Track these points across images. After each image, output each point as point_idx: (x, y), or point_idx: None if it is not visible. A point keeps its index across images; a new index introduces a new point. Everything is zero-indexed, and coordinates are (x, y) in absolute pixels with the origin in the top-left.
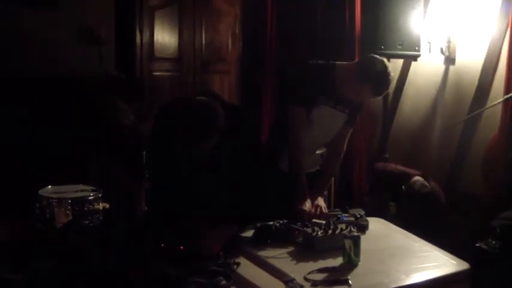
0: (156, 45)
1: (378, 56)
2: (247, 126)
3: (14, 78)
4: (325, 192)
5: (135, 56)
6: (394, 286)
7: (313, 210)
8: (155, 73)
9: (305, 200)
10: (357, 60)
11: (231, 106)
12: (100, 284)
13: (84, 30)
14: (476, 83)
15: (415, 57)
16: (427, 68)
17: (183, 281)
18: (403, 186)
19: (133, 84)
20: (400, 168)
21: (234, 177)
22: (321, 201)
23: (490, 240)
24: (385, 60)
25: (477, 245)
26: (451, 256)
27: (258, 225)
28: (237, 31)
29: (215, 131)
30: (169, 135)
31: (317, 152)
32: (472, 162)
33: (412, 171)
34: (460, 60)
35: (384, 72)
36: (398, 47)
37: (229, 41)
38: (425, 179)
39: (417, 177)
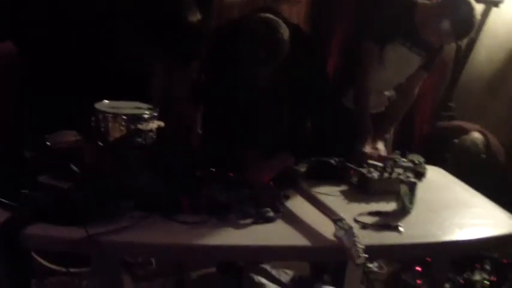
0: None
1: None
2: (311, 52)
3: None
4: (387, 136)
5: None
6: (446, 239)
7: (372, 152)
8: None
9: (366, 140)
10: None
11: (294, 26)
12: (148, 204)
13: None
14: None
15: (496, 3)
16: (508, 16)
17: (230, 207)
18: (455, 140)
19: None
20: (459, 122)
21: (295, 108)
22: (380, 145)
23: None
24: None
25: None
26: (510, 215)
27: (313, 159)
28: None
29: (279, 50)
30: (228, 57)
31: (385, 92)
32: None
33: (469, 125)
34: None
35: (469, 13)
36: None
37: None
38: (484, 135)
39: (473, 133)
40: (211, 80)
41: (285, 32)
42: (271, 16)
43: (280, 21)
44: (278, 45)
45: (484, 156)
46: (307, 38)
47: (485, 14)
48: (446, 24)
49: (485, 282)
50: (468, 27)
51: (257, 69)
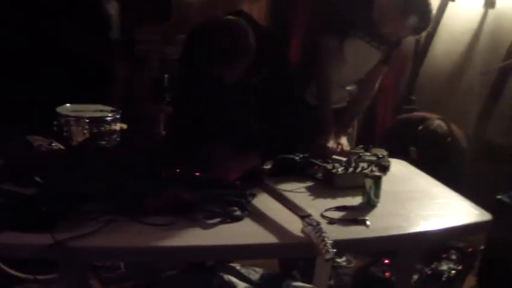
0: None
1: None
2: (279, 54)
3: None
4: (350, 130)
5: None
6: (412, 231)
7: (335, 147)
8: None
9: (329, 135)
10: None
11: (263, 29)
12: (113, 205)
13: None
14: None
15: None
16: (464, 10)
17: (197, 207)
18: (420, 127)
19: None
20: (420, 113)
21: (261, 107)
22: (343, 140)
23: None
24: None
25: (498, 197)
26: (473, 205)
27: (278, 157)
28: None
29: (245, 53)
30: (197, 58)
31: (347, 87)
32: (502, 112)
33: (432, 115)
34: (500, 4)
35: (425, 7)
36: None
37: None
38: (446, 123)
39: (436, 120)
40: (181, 79)
41: (250, 34)
42: (237, 19)
43: (247, 26)
44: (242, 51)
45: (450, 139)
46: (274, 43)
47: (442, 8)
48: (404, 19)
49: (452, 271)
50: (425, 22)
51: (222, 69)
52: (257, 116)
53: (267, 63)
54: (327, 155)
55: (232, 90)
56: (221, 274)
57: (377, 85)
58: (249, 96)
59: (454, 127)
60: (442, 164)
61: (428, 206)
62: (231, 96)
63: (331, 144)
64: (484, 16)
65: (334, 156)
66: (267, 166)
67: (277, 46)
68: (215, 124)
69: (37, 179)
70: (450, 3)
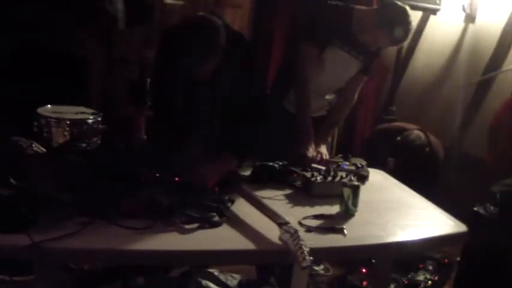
0: None
1: (398, 2)
2: (250, 55)
3: None
4: (329, 140)
5: None
6: (389, 240)
7: (314, 156)
8: (167, 1)
9: (308, 144)
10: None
11: (234, 32)
12: (90, 207)
13: None
14: (494, 45)
15: (434, 11)
16: (445, 24)
17: (174, 211)
18: (398, 138)
19: (143, 6)
20: (399, 123)
21: (235, 110)
22: (323, 148)
23: (489, 205)
24: (406, 7)
25: (475, 209)
26: (450, 217)
27: (257, 164)
28: None
29: (215, 48)
30: (170, 57)
31: (326, 96)
32: (479, 125)
33: (410, 126)
34: (480, 19)
35: (404, 18)
36: None
37: None
38: (424, 133)
39: (415, 131)
40: (156, 80)
41: (220, 32)
42: (208, 16)
43: (217, 22)
44: (212, 46)
45: (428, 149)
46: (245, 44)
47: (424, 21)
48: (383, 31)
49: (429, 282)
50: (404, 33)
51: (193, 66)
52: (234, 120)
53: (235, 64)
54: (306, 163)
55: (202, 87)
56: (199, 279)
57: (356, 94)
58: (217, 95)
59: (432, 138)
60: (419, 175)
61: (405, 216)
62: (201, 93)
63: (310, 153)
64: (465, 30)
65: (313, 165)
66: (246, 173)
67: (248, 48)
68: (191, 128)
69: (12, 180)
70: (431, 17)
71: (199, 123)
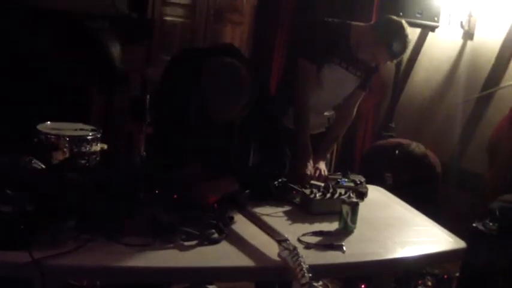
0: None
1: (396, 18)
2: (259, 83)
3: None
4: (328, 156)
5: None
6: (388, 257)
7: (313, 173)
8: (167, 18)
9: (307, 161)
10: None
11: (249, 63)
12: (91, 224)
13: None
14: (492, 61)
15: (433, 28)
16: (444, 41)
17: (174, 228)
18: (396, 151)
19: (142, 25)
20: (395, 139)
21: (241, 133)
22: (322, 165)
23: (488, 221)
24: (403, 21)
25: (474, 225)
26: (448, 233)
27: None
28: None
29: (241, 101)
30: (182, 89)
31: (325, 113)
32: (478, 141)
33: (408, 141)
34: (478, 36)
35: (402, 33)
36: (417, 15)
37: None
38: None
39: (413, 142)
40: (161, 102)
41: (247, 84)
42: (235, 65)
43: (244, 70)
44: (239, 99)
45: (427, 161)
46: (258, 73)
47: (423, 37)
48: (381, 47)
49: None
50: (402, 48)
51: (220, 112)
52: (239, 142)
53: (253, 98)
54: (304, 181)
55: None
56: None
57: (355, 110)
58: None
59: (430, 153)
60: (418, 190)
61: (404, 232)
62: (211, 124)
63: (309, 170)
64: (463, 47)
65: (312, 182)
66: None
67: (260, 79)
68: (194, 148)
69: (12, 197)
70: (430, 34)
71: (203, 146)
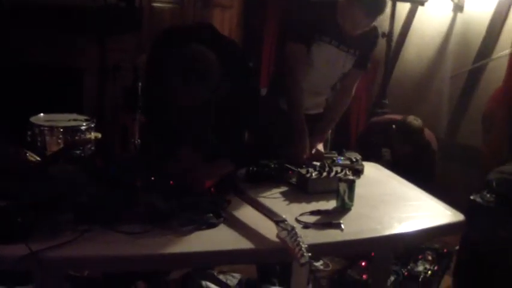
0: None
1: None
2: (244, 64)
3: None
4: (328, 137)
5: None
6: (387, 233)
7: (308, 153)
8: (155, 4)
9: (303, 143)
10: None
11: (227, 43)
12: (87, 214)
13: None
14: (483, 33)
15: (422, 2)
16: (434, 15)
17: (171, 214)
18: (393, 125)
19: (131, 14)
20: (391, 115)
21: (233, 115)
22: (320, 146)
23: (485, 193)
24: None
25: (471, 197)
26: (446, 206)
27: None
28: None
29: (206, 90)
30: (153, 74)
31: (322, 94)
32: (473, 114)
33: (402, 116)
34: (468, 9)
35: None
36: None
37: None
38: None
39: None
40: (148, 86)
41: (214, 74)
42: (205, 54)
43: (208, 52)
44: (205, 78)
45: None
46: (239, 53)
47: (412, 12)
48: (354, 7)
49: (428, 272)
50: (380, 6)
51: (185, 99)
52: (231, 124)
53: (230, 76)
54: (300, 162)
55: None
56: (198, 280)
57: (353, 90)
58: (220, 106)
59: (425, 129)
60: (416, 165)
61: (402, 208)
62: (199, 107)
63: (304, 151)
64: (453, 20)
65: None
66: (241, 172)
67: (239, 58)
68: (187, 132)
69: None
70: (420, 8)
71: (194, 129)
